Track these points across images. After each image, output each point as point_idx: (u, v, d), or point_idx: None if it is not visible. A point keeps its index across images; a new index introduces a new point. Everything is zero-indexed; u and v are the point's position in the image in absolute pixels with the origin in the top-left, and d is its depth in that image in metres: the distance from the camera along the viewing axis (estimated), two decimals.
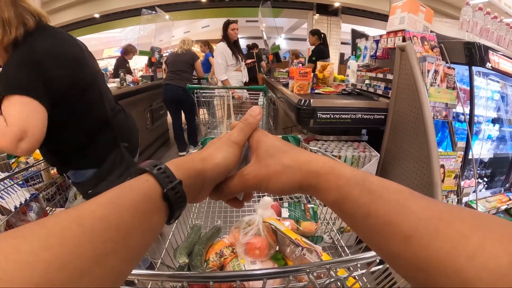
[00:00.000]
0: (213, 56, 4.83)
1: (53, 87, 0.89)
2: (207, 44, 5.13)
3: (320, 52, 4.21)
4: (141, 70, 5.19)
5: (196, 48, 4.02)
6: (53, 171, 1.39)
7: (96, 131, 1.07)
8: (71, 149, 1.05)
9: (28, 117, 0.81)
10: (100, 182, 1.08)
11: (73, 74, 0.97)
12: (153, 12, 5.59)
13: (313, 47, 4.38)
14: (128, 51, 4.71)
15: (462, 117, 1.65)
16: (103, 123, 1.08)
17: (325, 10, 8.23)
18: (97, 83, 1.07)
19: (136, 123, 1.39)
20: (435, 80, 1.48)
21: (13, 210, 0.99)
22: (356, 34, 2.84)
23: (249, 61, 4.43)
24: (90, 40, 9.00)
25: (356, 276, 0.46)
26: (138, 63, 8.00)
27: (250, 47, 5.29)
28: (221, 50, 3.12)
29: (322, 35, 4.38)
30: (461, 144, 1.58)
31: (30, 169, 1.21)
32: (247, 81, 3.48)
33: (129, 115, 1.30)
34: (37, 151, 1.27)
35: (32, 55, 0.87)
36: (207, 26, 11.57)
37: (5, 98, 0.82)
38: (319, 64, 2.50)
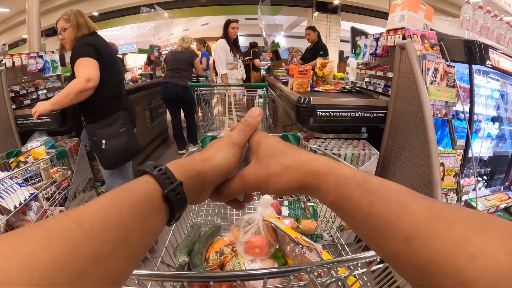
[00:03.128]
0: (210, 55, 4.80)
1: (99, 55, 1.56)
2: (203, 42, 5.06)
3: (323, 47, 4.15)
4: (140, 68, 5.15)
5: (192, 46, 4.00)
6: (53, 170, 1.39)
7: (112, 96, 1.69)
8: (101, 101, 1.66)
9: (90, 69, 1.49)
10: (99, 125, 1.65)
11: (107, 54, 1.64)
12: (152, 10, 5.56)
13: (312, 43, 4.31)
14: None
15: (462, 115, 1.64)
16: (117, 95, 1.72)
17: (325, 8, 8.20)
18: (118, 66, 1.79)
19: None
20: (435, 78, 1.48)
21: (12, 209, 0.99)
22: (355, 32, 2.83)
23: (246, 58, 4.41)
24: None
25: (356, 275, 0.46)
26: (137, 61, 7.99)
27: (252, 46, 5.21)
28: (222, 45, 3.21)
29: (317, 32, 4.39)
30: (461, 142, 1.58)
31: (29, 168, 1.21)
32: (243, 78, 3.48)
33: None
34: (36, 150, 1.28)
35: (86, 42, 1.59)
36: (206, 24, 11.53)
37: (77, 61, 1.50)
38: (319, 61, 2.49)
